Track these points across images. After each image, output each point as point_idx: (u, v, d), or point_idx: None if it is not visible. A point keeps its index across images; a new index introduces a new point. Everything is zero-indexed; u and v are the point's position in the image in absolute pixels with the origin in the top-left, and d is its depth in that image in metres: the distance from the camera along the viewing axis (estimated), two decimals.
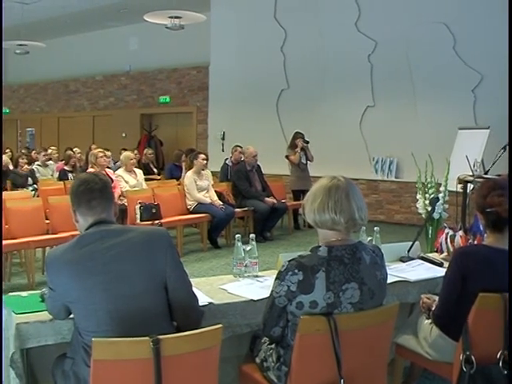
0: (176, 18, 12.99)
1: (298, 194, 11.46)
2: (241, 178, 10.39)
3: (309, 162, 11.53)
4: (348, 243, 2.91)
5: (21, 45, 15.81)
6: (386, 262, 3.11)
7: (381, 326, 2.98)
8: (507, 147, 6.18)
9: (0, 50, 8.07)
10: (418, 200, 6.25)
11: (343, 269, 2.85)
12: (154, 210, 8.99)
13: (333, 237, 2.90)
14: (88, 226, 2.93)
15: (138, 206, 8.88)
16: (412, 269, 4.21)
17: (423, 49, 11.78)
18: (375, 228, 4.42)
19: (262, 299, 3.40)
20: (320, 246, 2.91)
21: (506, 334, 3.11)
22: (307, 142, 11.47)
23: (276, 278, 2.93)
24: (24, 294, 3.65)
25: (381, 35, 12.42)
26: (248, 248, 3.96)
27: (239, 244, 3.95)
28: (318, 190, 2.94)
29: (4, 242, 7.42)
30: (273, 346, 3.11)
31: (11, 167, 11.78)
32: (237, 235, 4.02)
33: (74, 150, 13.31)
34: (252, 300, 3.50)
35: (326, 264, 2.83)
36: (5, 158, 12.08)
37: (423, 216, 6.26)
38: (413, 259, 4.41)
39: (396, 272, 4.05)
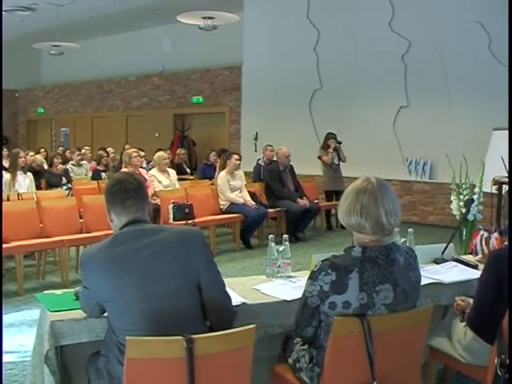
0: (209, 18, 13.02)
1: (331, 195, 11.45)
2: (274, 178, 10.38)
3: (341, 162, 11.48)
4: (382, 244, 2.89)
5: (55, 46, 15.95)
6: (420, 263, 3.09)
7: (414, 328, 2.96)
8: None
9: (0, 50, 8.12)
10: (452, 201, 6.18)
11: (377, 270, 2.84)
12: (186, 210, 9.02)
13: (366, 238, 2.89)
14: (122, 226, 2.95)
15: (171, 206, 8.93)
16: (446, 271, 4.18)
17: (458, 48, 11.68)
18: (409, 229, 4.39)
19: (294, 300, 3.39)
20: (354, 247, 2.90)
21: None
22: (340, 143, 11.42)
23: (309, 278, 2.93)
24: (58, 292, 3.68)
25: (415, 35, 12.34)
26: (281, 248, 3.95)
27: (272, 244, 3.95)
28: (349, 191, 2.93)
29: (38, 241, 7.54)
30: (305, 346, 3.10)
31: (46, 167, 11.90)
32: (270, 235, 4.02)
33: (108, 149, 13.40)
34: (285, 300, 3.49)
35: (360, 264, 2.83)
36: (39, 157, 12.21)
37: (457, 218, 6.20)
38: (447, 261, 4.37)
39: (430, 274, 4.02)
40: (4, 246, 7.23)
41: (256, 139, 15.13)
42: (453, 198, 6.19)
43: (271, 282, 3.86)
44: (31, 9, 15.52)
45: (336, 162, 11.41)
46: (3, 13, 13.69)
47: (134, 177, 3.05)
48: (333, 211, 11.61)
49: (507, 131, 9.92)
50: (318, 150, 11.71)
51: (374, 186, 2.88)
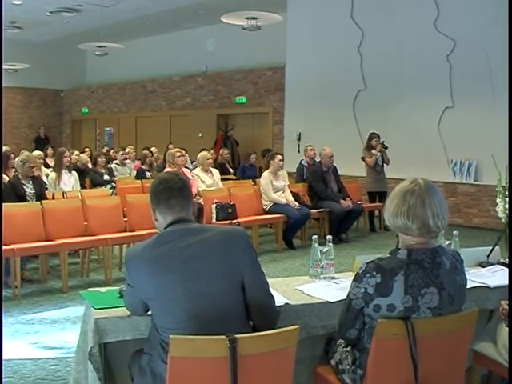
0: (253, 18, 13.03)
1: (374, 196, 11.39)
2: (317, 179, 10.35)
3: (385, 165, 11.40)
4: (428, 247, 2.86)
5: (100, 46, 16.12)
6: (465, 266, 3.05)
7: (459, 332, 2.92)
8: None
9: (0, 50, 8.19)
10: (497, 204, 6.10)
11: (422, 273, 2.80)
12: (229, 210, 9.05)
13: (412, 240, 2.86)
14: (167, 225, 2.96)
15: (214, 206, 8.96)
16: (492, 274, 4.11)
17: (504, 48, 11.49)
18: (454, 232, 4.32)
19: (338, 301, 3.38)
20: (400, 249, 2.87)
21: None
22: (386, 148, 11.31)
23: (353, 280, 2.91)
24: (103, 289, 3.72)
25: (460, 34, 12.21)
26: (325, 249, 3.94)
27: (316, 245, 3.93)
28: (396, 193, 2.90)
29: (83, 239, 7.64)
30: (348, 348, 3.09)
31: (90, 166, 12.04)
32: (314, 236, 4.00)
33: (152, 149, 13.50)
34: (328, 302, 3.48)
35: (405, 267, 2.80)
36: (84, 156, 12.35)
37: (503, 220, 6.10)
38: (492, 264, 4.30)
39: (475, 277, 3.95)
40: (49, 243, 7.36)
41: (299, 139, 15.11)
42: (498, 200, 6.09)
43: (314, 283, 3.84)
44: (76, 10, 15.75)
45: (380, 163, 11.32)
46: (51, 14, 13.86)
47: (179, 176, 3.06)
48: (376, 212, 11.57)
49: None
50: (362, 150, 11.65)
51: (422, 187, 2.85)
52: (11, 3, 14.96)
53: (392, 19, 13.24)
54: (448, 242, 4.18)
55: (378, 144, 11.30)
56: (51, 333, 5.82)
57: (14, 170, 8.90)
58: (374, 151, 11.28)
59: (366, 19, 13.73)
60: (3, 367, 4.32)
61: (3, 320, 6.17)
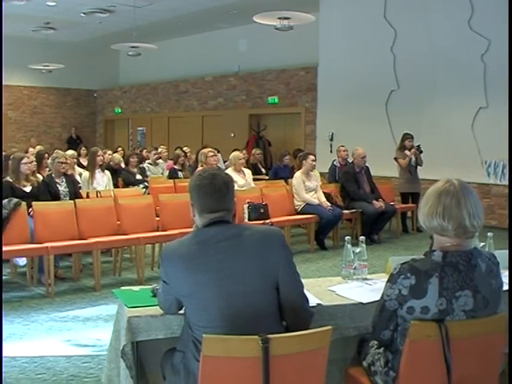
0: (285, 18, 13.02)
1: (407, 197, 11.31)
2: (349, 179, 10.31)
3: (418, 166, 11.30)
4: (463, 249, 2.83)
5: (133, 47, 16.23)
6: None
7: (493, 336, 2.88)
8: None
9: (0, 51, 8.25)
10: None
11: (457, 275, 2.78)
12: (262, 210, 9.04)
13: (447, 242, 2.83)
14: (204, 223, 2.96)
15: (246, 206, 8.96)
16: None
17: None
18: (488, 234, 4.27)
19: (371, 302, 3.36)
20: (434, 251, 2.84)
21: None
22: (421, 152, 11.20)
23: (387, 281, 2.89)
24: (136, 288, 3.74)
25: (495, 34, 12.05)
26: (357, 250, 3.92)
27: (349, 246, 3.91)
28: (430, 193, 2.88)
29: (115, 238, 7.69)
30: (381, 350, 3.06)
31: (123, 165, 12.11)
32: (346, 237, 3.98)
33: (184, 149, 13.55)
34: (361, 303, 3.45)
35: (440, 270, 2.77)
36: (117, 156, 12.43)
37: None
38: None
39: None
40: (82, 242, 7.42)
41: (331, 140, 15.05)
42: None
43: (347, 284, 3.83)
44: (110, 11, 15.87)
45: (413, 163, 11.24)
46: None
47: (220, 174, 3.04)
48: (409, 214, 11.49)
49: None
50: (395, 151, 11.58)
51: (457, 187, 2.83)
52: (45, 4, 15.14)
53: (425, 18, 13.14)
54: (482, 244, 4.14)
55: (411, 145, 11.22)
56: (84, 330, 5.87)
57: (47, 169, 9.00)
58: (407, 152, 11.20)
59: (399, 19, 13.64)
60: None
61: (37, 317, 6.25)
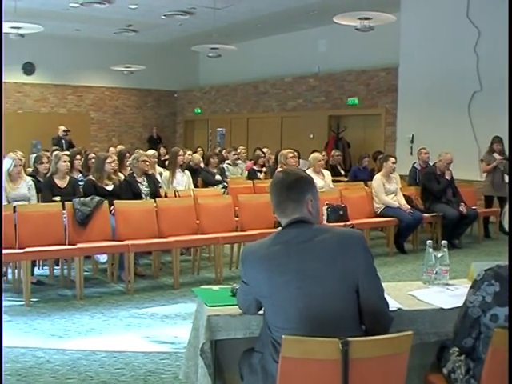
0: (366, 19, 12.88)
1: (491, 200, 11.06)
2: (431, 179, 10.15)
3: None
4: None
5: (213, 48, 16.35)
6: None
7: None
8: None
9: (0, 52, 8.35)
10: None
11: None
12: (341, 212, 8.98)
13: None
14: (285, 224, 2.95)
15: (325, 208, 8.90)
16: None
17: None
18: None
19: (452, 308, 3.30)
20: None
21: None
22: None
23: (470, 287, 2.83)
24: (215, 287, 3.77)
25: None
26: (439, 255, 3.85)
27: (430, 250, 3.85)
28: None
29: (195, 237, 7.77)
30: (462, 357, 2.99)
31: (202, 165, 12.22)
32: (428, 241, 3.92)
33: (264, 150, 13.58)
34: (442, 308, 3.39)
35: None
36: (197, 156, 12.56)
37: None
38: None
39: None
40: (162, 240, 7.53)
41: (412, 142, 14.82)
42: None
43: (428, 289, 3.76)
44: (190, 13, 16.07)
45: (501, 167, 10.95)
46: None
47: (299, 175, 3.02)
48: (491, 218, 11.21)
49: None
50: (483, 153, 11.29)
51: None
52: (127, 7, 15.43)
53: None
54: None
55: (499, 149, 10.99)
56: (162, 327, 5.95)
57: (129, 168, 9.16)
58: (495, 155, 10.96)
59: (483, 18, 13.31)
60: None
61: (117, 313, 6.38)
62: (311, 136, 17.84)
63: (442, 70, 14.06)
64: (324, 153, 13.26)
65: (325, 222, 8.81)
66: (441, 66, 14.08)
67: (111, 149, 13.18)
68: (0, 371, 3.51)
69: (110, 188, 8.16)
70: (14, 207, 7.12)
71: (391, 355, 2.66)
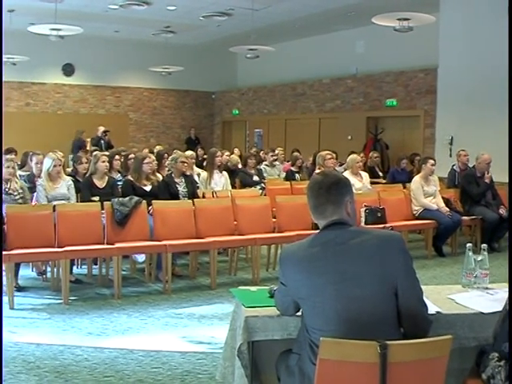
0: (405, 19, 12.79)
1: None
2: (471, 181, 10.06)
3: None
4: None
5: (251, 49, 16.36)
6: None
7: None
8: None
9: (0, 52, 8.36)
10: None
11: None
12: (379, 214, 8.93)
13: None
14: (324, 226, 2.95)
15: (363, 209, 8.86)
16: None
17: None
18: None
19: (492, 313, 3.26)
20: None
21: None
22: None
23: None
24: (253, 288, 3.78)
25: None
26: (479, 258, 3.80)
27: (470, 253, 3.81)
28: None
29: (232, 238, 7.80)
30: (502, 363, 2.95)
31: (240, 166, 12.24)
32: (468, 244, 3.87)
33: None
34: (481, 313, 3.35)
35: None
36: (235, 157, 12.59)
37: None
38: None
39: None
40: (200, 241, 7.57)
41: (451, 144, 14.66)
42: None
43: (467, 293, 3.72)
44: (228, 14, 16.10)
45: None
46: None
47: (337, 177, 3.03)
48: None
49: None
50: None
51: None
52: (166, 9, 15.52)
53: None
54: None
55: None
56: (199, 328, 5.97)
57: (167, 169, 9.22)
58: None
59: None
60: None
61: (154, 313, 6.42)
62: (349, 137, 17.74)
63: (482, 70, 13.89)
64: (362, 154, 13.19)
65: (363, 223, 8.76)
66: (481, 67, 13.91)
67: (145, 150, 13.26)
68: (0, 369, 3.54)
69: (148, 188, 8.22)
70: (54, 206, 7.22)
71: (430, 359, 2.63)
